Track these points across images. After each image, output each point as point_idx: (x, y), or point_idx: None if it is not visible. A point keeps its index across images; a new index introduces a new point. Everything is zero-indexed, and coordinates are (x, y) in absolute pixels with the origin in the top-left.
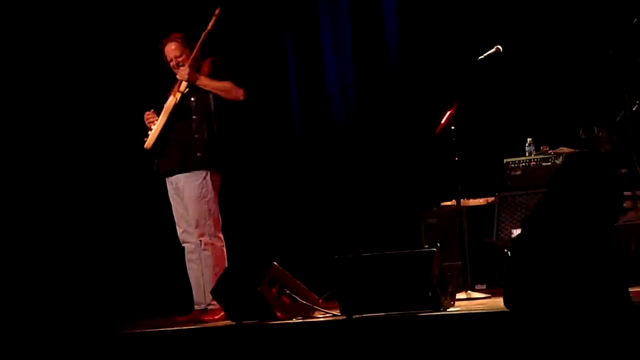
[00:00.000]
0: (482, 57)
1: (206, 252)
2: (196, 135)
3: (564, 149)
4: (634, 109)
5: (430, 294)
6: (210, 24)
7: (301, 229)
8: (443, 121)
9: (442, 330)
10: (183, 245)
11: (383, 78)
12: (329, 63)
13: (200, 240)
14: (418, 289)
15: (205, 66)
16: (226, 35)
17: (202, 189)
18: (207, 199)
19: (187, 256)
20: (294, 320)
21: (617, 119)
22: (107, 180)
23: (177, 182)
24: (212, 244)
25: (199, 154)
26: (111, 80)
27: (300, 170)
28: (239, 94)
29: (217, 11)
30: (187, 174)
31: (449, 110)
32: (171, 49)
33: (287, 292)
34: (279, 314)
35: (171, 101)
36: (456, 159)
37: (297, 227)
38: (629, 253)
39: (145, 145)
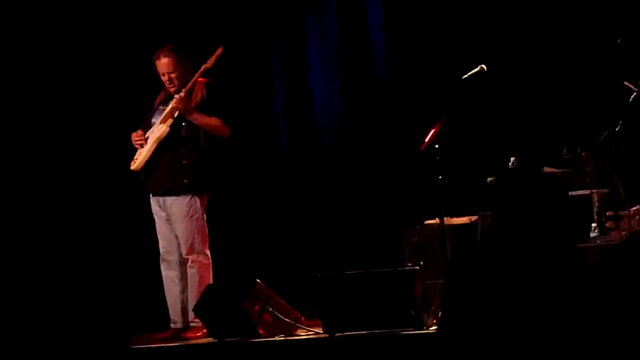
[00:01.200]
0: (466, 76)
1: (192, 270)
2: (184, 162)
3: (547, 169)
4: (617, 129)
5: (413, 313)
6: (211, 61)
7: (284, 246)
8: (427, 140)
9: (424, 348)
10: (162, 262)
11: (368, 96)
12: (315, 80)
13: (187, 258)
14: (401, 308)
15: (199, 90)
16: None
17: (189, 207)
18: (195, 217)
19: (166, 273)
20: (277, 338)
21: (601, 139)
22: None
23: (165, 200)
24: (200, 261)
25: (185, 181)
26: (110, 83)
27: (285, 187)
28: (225, 132)
29: (219, 51)
30: (175, 196)
31: (433, 128)
32: (164, 64)
33: (270, 309)
34: (261, 332)
35: (163, 130)
36: (440, 177)
37: (280, 245)
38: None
39: (131, 167)
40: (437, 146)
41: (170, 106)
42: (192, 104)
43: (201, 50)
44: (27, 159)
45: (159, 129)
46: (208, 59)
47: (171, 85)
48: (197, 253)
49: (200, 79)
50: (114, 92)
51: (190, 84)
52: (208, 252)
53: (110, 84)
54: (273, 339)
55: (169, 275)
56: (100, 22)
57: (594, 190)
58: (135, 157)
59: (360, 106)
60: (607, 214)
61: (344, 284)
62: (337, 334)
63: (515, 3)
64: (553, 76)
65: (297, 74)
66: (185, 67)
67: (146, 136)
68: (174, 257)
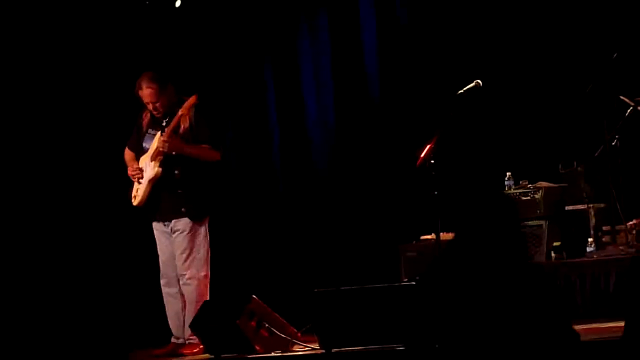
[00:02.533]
0: (461, 91)
1: (189, 287)
2: (179, 191)
3: (543, 184)
4: (613, 143)
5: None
6: (185, 109)
7: (280, 262)
8: (423, 155)
9: None
10: (162, 277)
11: (363, 111)
12: (309, 96)
13: (184, 274)
14: (397, 323)
15: (187, 115)
16: (206, 68)
17: (190, 224)
18: (194, 234)
19: (166, 290)
20: (273, 354)
21: (597, 154)
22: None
23: (169, 223)
24: (197, 278)
25: (183, 209)
26: (108, 85)
27: (281, 203)
28: (215, 157)
29: (193, 99)
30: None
31: (428, 144)
32: (147, 94)
33: (266, 325)
34: (257, 348)
35: (156, 171)
36: (436, 192)
37: (276, 260)
38: (607, 288)
39: (134, 204)
40: (432, 161)
41: (157, 146)
42: (181, 130)
43: (193, 67)
44: (27, 171)
45: (152, 169)
46: (184, 102)
47: (156, 112)
48: (196, 269)
49: (187, 102)
50: (114, 95)
51: (173, 123)
52: (206, 271)
53: (108, 86)
54: (269, 355)
55: (168, 292)
56: (97, 32)
57: (591, 205)
58: (134, 194)
59: (355, 121)
60: (604, 228)
61: (340, 299)
62: (334, 350)
63: (511, 17)
64: (549, 91)
65: (291, 90)
66: (167, 92)
67: (140, 166)
68: (173, 274)
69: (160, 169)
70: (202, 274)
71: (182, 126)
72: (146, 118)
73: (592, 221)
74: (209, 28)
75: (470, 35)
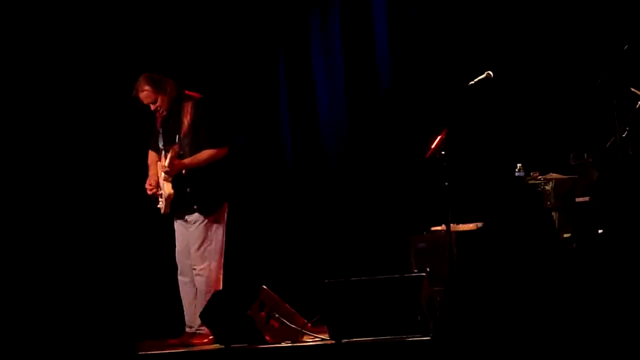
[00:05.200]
0: (472, 82)
1: (200, 278)
2: (188, 190)
3: (554, 175)
4: (623, 135)
5: (419, 319)
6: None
7: (291, 252)
8: (433, 146)
9: (430, 355)
10: (178, 266)
11: (374, 103)
12: (321, 89)
13: (196, 265)
14: (407, 314)
15: (188, 111)
16: (219, 60)
17: (203, 218)
18: (209, 226)
19: (181, 278)
20: (283, 344)
21: (607, 145)
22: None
23: (187, 217)
24: (209, 269)
25: (195, 207)
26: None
27: (292, 194)
28: (220, 154)
29: (174, 151)
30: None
31: (439, 135)
32: (145, 96)
33: (276, 315)
34: (268, 338)
35: (170, 193)
36: (446, 184)
37: (287, 251)
38: None
39: (162, 212)
40: (443, 153)
41: (163, 175)
42: (184, 128)
43: (207, 63)
44: (39, 164)
45: (167, 190)
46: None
47: (160, 111)
48: (207, 261)
49: (191, 98)
50: (122, 92)
51: (173, 152)
52: (219, 262)
53: (117, 84)
54: (279, 345)
55: (183, 280)
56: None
57: None
58: (159, 205)
59: (367, 112)
60: None
61: (350, 290)
62: (344, 340)
63: (523, 9)
64: (560, 82)
65: (303, 84)
66: (165, 88)
67: (159, 178)
68: (187, 262)
69: (173, 191)
70: (214, 265)
71: (183, 126)
72: (158, 118)
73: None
74: (221, 24)
75: (481, 27)
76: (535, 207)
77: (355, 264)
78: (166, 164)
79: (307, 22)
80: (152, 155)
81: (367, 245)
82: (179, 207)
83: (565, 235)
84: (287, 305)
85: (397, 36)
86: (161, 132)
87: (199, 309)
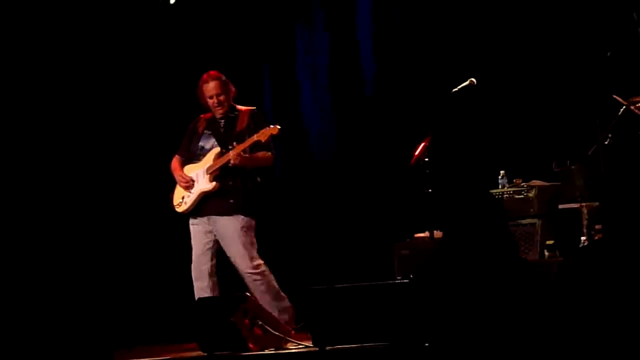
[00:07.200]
0: (456, 89)
1: (257, 282)
2: (230, 183)
3: (537, 182)
4: (606, 142)
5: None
6: (264, 136)
7: (275, 259)
8: (417, 153)
9: None
10: (194, 271)
11: (360, 112)
12: (307, 102)
13: (248, 272)
14: (391, 321)
15: (245, 118)
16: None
17: (242, 223)
18: (247, 231)
19: (197, 284)
20: (267, 352)
21: (590, 152)
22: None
23: (211, 218)
24: (262, 271)
25: (231, 201)
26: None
27: (276, 200)
28: (271, 162)
29: (275, 130)
30: (226, 216)
31: (423, 142)
32: (212, 87)
33: (260, 323)
34: (251, 345)
35: (212, 186)
36: (430, 190)
37: (271, 257)
38: None
39: (178, 210)
40: (427, 159)
41: (225, 159)
42: (237, 130)
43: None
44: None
45: (207, 182)
46: (260, 131)
47: (219, 107)
48: (256, 263)
49: (244, 108)
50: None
51: (246, 143)
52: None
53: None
54: (263, 352)
55: (199, 285)
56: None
57: (584, 204)
58: (180, 201)
59: (352, 121)
60: (597, 227)
61: (334, 297)
62: (328, 347)
63: (506, 16)
64: (543, 89)
65: (289, 98)
66: (230, 90)
67: (191, 176)
68: (205, 267)
69: (217, 184)
70: (262, 264)
71: (241, 124)
72: (201, 125)
73: (585, 220)
74: (207, 39)
75: (465, 34)
76: (494, 219)
77: (339, 270)
78: (241, 150)
79: (293, 36)
80: (178, 160)
81: (351, 252)
82: (213, 209)
83: (548, 242)
84: (270, 312)
85: (382, 45)
86: (208, 133)
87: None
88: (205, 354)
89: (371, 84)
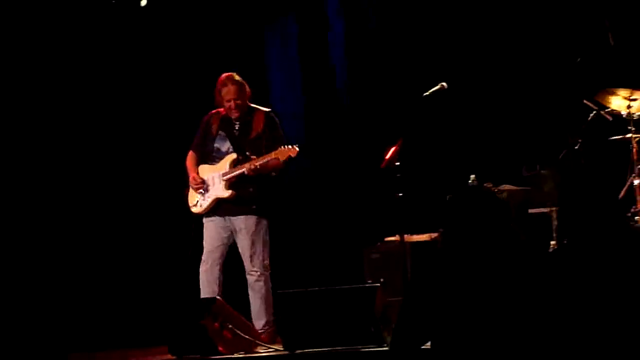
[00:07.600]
0: (427, 93)
1: (259, 283)
2: (251, 190)
3: (507, 186)
4: (576, 147)
5: (373, 330)
6: (282, 156)
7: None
8: (388, 156)
9: None
10: (203, 264)
11: (331, 114)
12: (277, 97)
13: (255, 271)
14: (361, 324)
15: (260, 119)
16: (175, 79)
17: (257, 222)
18: (261, 232)
19: (204, 276)
20: (236, 355)
21: (560, 157)
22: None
23: (233, 220)
24: (268, 275)
25: (253, 207)
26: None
27: None
28: (282, 166)
29: (295, 151)
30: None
31: (393, 146)
32: (230, 91)
33: (230, 326)
34: (221, 349)
35: (229, 194)
36: (400, 194)
37: (240, 262)
38: None
39: (194, 211)
40: (397, 163)
41: (240, 170)
42: (253, 134)
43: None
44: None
45: (223, 189)
46: (279, 149)
47: (235, 111)
48: (266, 264)
49: (259, 109)
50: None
51: (262, 159)
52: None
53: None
54: (232, 356)
55: (207, 278)
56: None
57: (553, 209)
58: (194, 203)
59: (323, 123)
60: None
61: (304, 300)
62: (297, 351)
63: (476, 22)
64: (513, 94)
65: (260, 100)
66: (247, 92)
67: (204, 178)
68: (215, 262)
69: (233, 192)
70: (267, 270)
71: (256, 127)
72: (215, 123)
73: (555, 224)
74: (175, 35)
75: (437, 39)
76: (499, 217)
77: (309, 274)
78: (258, 164)
79: (262, 40)
80: (193, 156)
81: (321, 256)
82: (234, 207)
83: None
84: (241, 316)
85: (354, 49)
86: (223, 135)
87: (263, 312)
88: (175, 357)
89: (342, 88)
